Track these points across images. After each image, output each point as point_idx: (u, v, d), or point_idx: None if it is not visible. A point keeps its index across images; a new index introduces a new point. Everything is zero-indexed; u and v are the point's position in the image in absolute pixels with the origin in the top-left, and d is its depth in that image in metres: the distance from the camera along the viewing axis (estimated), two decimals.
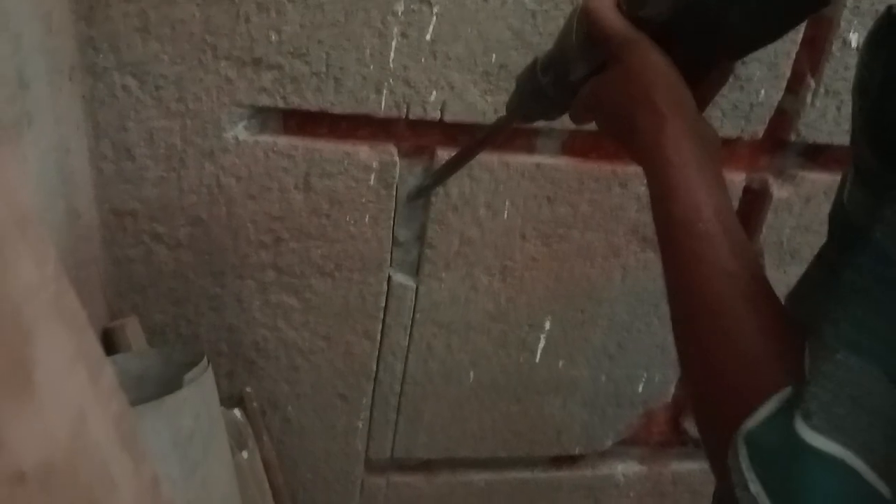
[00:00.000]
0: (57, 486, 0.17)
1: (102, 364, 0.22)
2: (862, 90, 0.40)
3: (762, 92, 0.85)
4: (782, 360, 0.36)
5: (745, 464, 0.32)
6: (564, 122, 0.82)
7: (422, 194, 0.83)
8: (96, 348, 0.22)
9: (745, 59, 0.83)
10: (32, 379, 0.17)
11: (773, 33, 0.49)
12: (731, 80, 0.82)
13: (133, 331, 0.82)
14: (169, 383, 0.68)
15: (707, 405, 0.39)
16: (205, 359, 0.67)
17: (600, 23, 0.49)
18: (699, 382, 0.40)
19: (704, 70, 0.50)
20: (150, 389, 0.71)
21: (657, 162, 0.44)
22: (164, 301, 0.86)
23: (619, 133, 0.49)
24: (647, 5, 0.48)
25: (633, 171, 0.89)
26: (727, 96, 0.85)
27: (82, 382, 0.20)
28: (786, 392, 0.34)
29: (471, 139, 0.70)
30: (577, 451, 1.11)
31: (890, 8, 0.37)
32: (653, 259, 0.95)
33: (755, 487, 0.31)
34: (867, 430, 0.30)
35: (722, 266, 0.39)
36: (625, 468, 1.16)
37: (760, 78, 0.84)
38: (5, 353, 0.16)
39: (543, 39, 0.78)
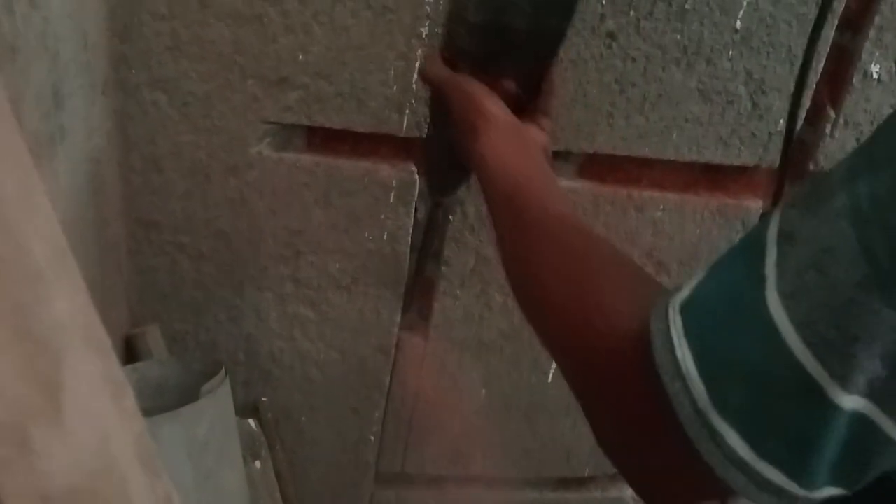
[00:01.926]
0: None
1: (125, 387, 0.23)
2: None
3: (781, 121, 0.86)
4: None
5: (675, 331, 0.31)
6: (582, 144, 0.84)
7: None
8: (119, 372, 0.23)
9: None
10: (61, 404, 0.19)
11: (561, 27, 0.57)
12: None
13: (153, 338, 0.84)
14: (187, 391, 0.69)
15: (584, 315, 0.38)
16: (223, 370, 0.68)
17: (427, 80, 0.60)
18: (567, 301, 0.40)
19: (536, 82, 0.59)
20: (168, 397, 0.73)
21: (479, 166, 0.52)
22: (185, 310, 0.89)
23: (466, 160, 0.56)
24: (455, 47, 0.57)
25: (649, 195, 0.89)
26: (746, 125, 0.85)
27: (106, 405, 0.22)
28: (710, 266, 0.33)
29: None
30: (586, 473, 1.11)
31: None
32: (667, 283, 0.95)
33: (681, 353, 0.30)
34: (818, 307, 0.28)
35: (545, 224, 0.44)
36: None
37: (780, 108, 0.85)
38: (38, 382, 0.18)
39: (564, 65, 0.79)
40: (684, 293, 0.32)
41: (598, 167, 0.88)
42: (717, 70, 0.81)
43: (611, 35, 0.78)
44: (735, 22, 0.78)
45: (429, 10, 0.74)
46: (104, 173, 0.75)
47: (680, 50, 0.79)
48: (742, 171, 0.90)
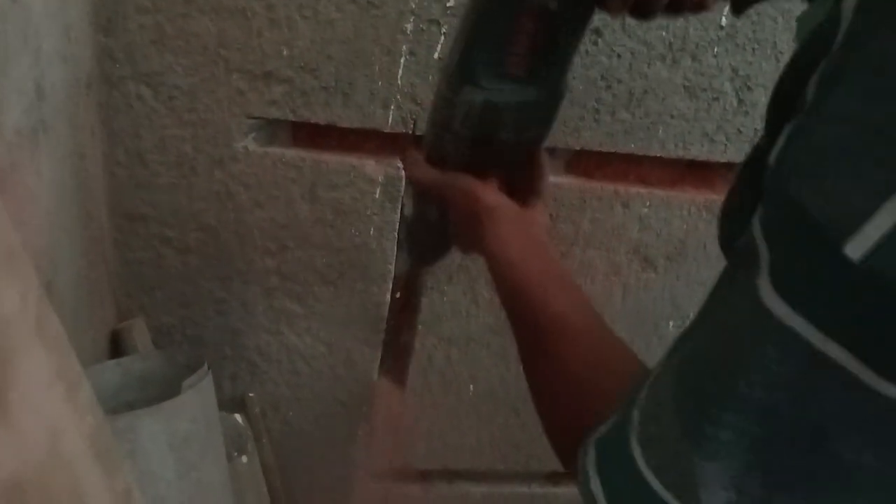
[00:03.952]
0: (26, 499, 0.19)
1: (80, 380, 0.24)
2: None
3: None
4: (626, 375, 0.42)
5: (590, 466, 0.34)
6: (568, 140, 0.84)
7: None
8: (75, 367, 0.23)
9: (755, 91, 0.83)
10: (8, 401, 0.19)
11: (543, 133, 0.61)
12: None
13: (139, 332, 0.84)
14: (171, 384, 0.69)
15: (560, 415, 0.44)
16: (205, 364, 0.68)
17: (417, 182, 0.63)
18: (553, 399, 0.46)
19: (524, 167, 0.61)
20: (153, 390, 0.73)
21: (488, 261, 0.55)
22: (171, 303, 0.89)
23: (473, 249, 0.60)
24: (443, 151, 0.60)
25: (636, 191, 0.90)
26: (732, 121, 0.85)
27: (59, 400, 0.22)
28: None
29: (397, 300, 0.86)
30: None
31: None
32: (653, 279, 0.96)
33: (594, 486, 0.34)
34: (661, 455, 0.31)
35: (551, 316, 0.48)
36: None
37: (765, 104, 0.85)
38: None
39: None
40: (604, 427, 0.36)
41: (585, 163, 0.88)
42: (702, 66, 0.81)
43: (596, 31, 0.78)
44: (720, 18, 0.78)
45: (413, 5, 0.74)
46: (89, 167, 0.75)
47: (665, 46, 0.79)
48: (728, 167, 0.90)
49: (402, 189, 0.68)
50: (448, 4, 0.75)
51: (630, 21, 0.78)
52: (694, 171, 0.91)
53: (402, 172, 0.77)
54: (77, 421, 0.22)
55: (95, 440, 0.23)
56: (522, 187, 0.61)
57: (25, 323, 0.20)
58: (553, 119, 0.59)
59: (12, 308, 0.20)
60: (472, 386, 1.02)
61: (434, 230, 0.66)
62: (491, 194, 0.57)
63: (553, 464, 1.21)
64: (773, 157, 0.29)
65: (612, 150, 0.86)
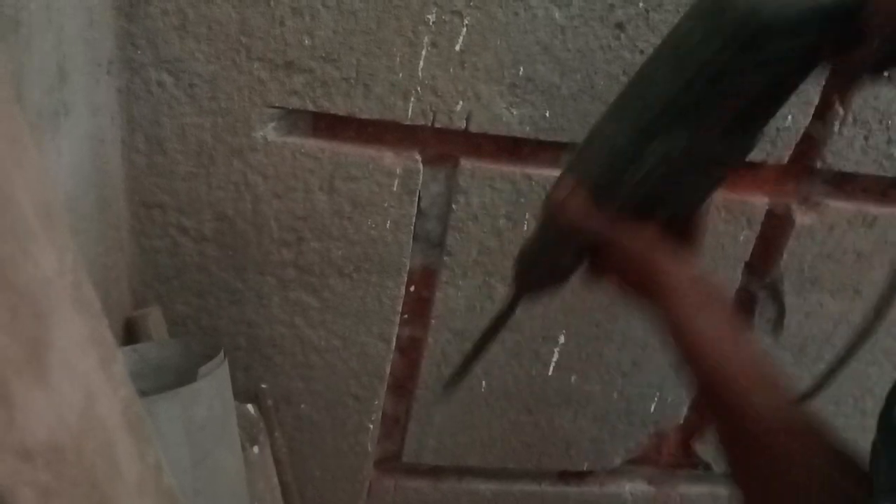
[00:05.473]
0: (62, 464, 0.18)
1: (114, 351, 0.23)
2: None
3: (789, 117, 0.85)
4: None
5: None
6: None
7: (455, 382, 0.82)
8: (109, 336, 0.23)
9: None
10: (46, 362, 0.18)
11: (721, 182, 0.58)
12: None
13: (155, 320, 0.84)
14: (186, 373, 0.69)
15: None
16: (221, 352, 0.68)
17: (582, 227, 0.56)
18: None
19: (688, 217, 0.59)
20: (168, 378, 0.73)
21: (671, 320, 0.51)
22: (187, 293, 0.89)
23: (641, 296, 0.56)
24: (615, 200, 0.56)
25: None
26: None
27: (93, 367, 0.21)
28: None
29: (490, 326, 0.73)
30: (585, 467, 1.11)
31: None
32: None
33: None
34: None
35: (753, 430, 0.45)
36: (633, 487, 1.15)
37: (788, 103, 0.84)
38: (22, 336, 0.18)
39: (571, 55, 0.79)
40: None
41: None
42: None
43: (619, 26, 0.78)
44: None
45: None
46: (107, 153, 0.75)
47: None
48: (748, 167, 0.89)
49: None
50: None
51: (654, 16, 0.77)
52: None
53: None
54: (111, 390, 0.22)
55: (128, 411, 0.23)
56: (679, 236, 0.57)
57: (62, 285, 0.20)
58: (733, 171, 0.59)
59: (50, 269, 0.19)
60: (484, 382, 1.01)
61: (557, 267, 0.62)
62: (673, 263, 0.53)
63: (564, 463, 1.20)
64: None
65: None
